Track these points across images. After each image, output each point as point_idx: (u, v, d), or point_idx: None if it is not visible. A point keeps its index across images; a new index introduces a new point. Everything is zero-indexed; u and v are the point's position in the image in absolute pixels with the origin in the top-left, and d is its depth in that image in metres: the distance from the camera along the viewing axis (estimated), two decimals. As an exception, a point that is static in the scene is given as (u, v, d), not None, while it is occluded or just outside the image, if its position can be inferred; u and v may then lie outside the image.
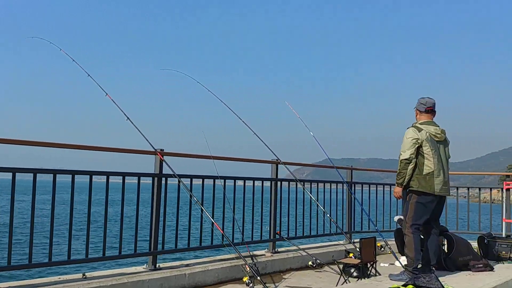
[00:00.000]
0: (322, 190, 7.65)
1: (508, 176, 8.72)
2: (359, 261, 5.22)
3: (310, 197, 7.04)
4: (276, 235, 6.71)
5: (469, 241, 6.46)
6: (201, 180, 5.78)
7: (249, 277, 5.01)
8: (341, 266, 5.68)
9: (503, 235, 6.80)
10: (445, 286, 4.61)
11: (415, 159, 5.19)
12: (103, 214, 4.91)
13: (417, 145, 5.19)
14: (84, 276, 4.66)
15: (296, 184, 7.04)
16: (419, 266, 5.12)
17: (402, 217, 7.25)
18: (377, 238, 7.84)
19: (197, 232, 5.81)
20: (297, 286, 5.62)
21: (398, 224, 7.23)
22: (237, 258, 5.54)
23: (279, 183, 6.82)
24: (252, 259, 5.62)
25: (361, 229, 8.31)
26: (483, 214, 8.50)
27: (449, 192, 5.40)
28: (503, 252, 6.45)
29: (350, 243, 7.28)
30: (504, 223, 6.74)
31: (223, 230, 5.44)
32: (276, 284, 5.70)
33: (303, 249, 6.73)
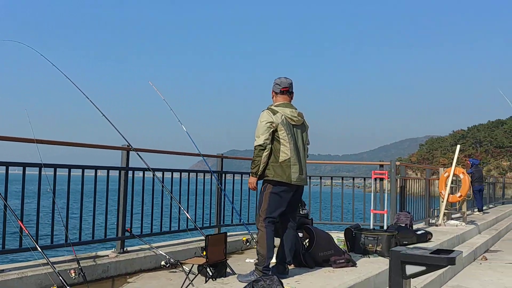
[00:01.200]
0: (194, 180, 7.01)
1: (382, 166, 8.58)
2: (204, 260, 4.53)
3: (165, 188, 6.23)
4: (126, 232, 5.86)
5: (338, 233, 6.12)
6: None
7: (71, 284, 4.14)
8: (189, 266, 4.98)
9: (371, 227, 6.50)
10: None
11: (270, 145, 4.59)
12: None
13: (271, 129, 4.59)
14: None
15: (151, 173, 6.21)
16: (272, 264, 4.56)
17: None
18: (246, 232, 7.32)
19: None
20: (138, 292, 4.84)
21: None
22: (61, 262, 4.63)
23: (130, 172, 5.98)
24: (78, 262, 4.72)
25: (232, 222, 7.71)
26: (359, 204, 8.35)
27: (306, 182, 4.90)
28: (370, 245, 6.14)
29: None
30: (372, 214, 6.43)
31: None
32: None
33: (156, 248, 5.94)
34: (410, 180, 9.47)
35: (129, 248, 6.00)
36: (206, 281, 4.72)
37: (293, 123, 4.74)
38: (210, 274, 4.88)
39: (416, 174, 58.52)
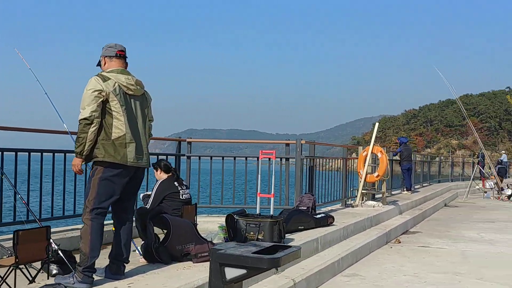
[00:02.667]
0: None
1: (288, 144, 7.91)
2: (13, 261, 3.69)
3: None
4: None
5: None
6: None
7: None
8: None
9: (257, 212, 5.81)
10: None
11: (99, 119, 3.76)
12: None
13: (101, 99, 3.75)
14: None
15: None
16: (94, 264, 3.78)
17: (149, 193, 6.01)
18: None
19: None
20: None
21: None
22: None
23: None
24: None
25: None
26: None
27: (149, 163, 4.12)
28: (251, 232, 5.45)
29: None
30: (258, 198, 5.75)
31: None
32: None
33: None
34: (327, 160, 8.88)
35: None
36: (30, 282, 3.88)
37: (130, 92, 3.92)
38: (55, 272, 4.06)
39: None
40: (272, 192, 5.68)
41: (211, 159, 7.59)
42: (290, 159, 7.85)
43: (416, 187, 17.06)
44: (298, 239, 5.94)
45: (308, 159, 8.27)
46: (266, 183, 7.68)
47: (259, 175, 5.84)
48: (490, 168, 20.10)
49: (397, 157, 14.37)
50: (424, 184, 18.60)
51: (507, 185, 19.68)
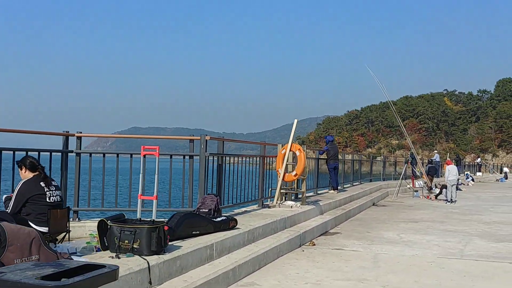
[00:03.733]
0: None
1: (192, 141, 7.24)
2: None
3: None
4: None
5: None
6: None
7: None
8: None
9: (138, 217, 5.09)
10: None
11: None
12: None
13: None
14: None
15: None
16: None
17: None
18: None
19: None
20: None
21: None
22: None
23: None
24: None
25: None
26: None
27: None
28: (126, 241, 4.72)
29: None
30: (139, 200, 5.03)
31: None
32: None
33: None
34: (234, 158, 8.25)
35: None
36: None
37: None
38: None
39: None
40: (155, 194, 4.97)
41: (104, 156, 6.78)
42: (195, 157, 7.18)
43: (345, 186, 16.84)
44: (187, 246, 5.27)
45: (218, 156, 7.63)
46: (165, 183, 6.98)
47: (141, 175, 5.12)
48: (418, 167, 20.24)
49: (324, 156, 14.01)
50: (354, 183, 18.44)
51: (435, 185, 19.89)
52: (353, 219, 11.80)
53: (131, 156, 6.99)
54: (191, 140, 7.23)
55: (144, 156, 5.27)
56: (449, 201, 16.65)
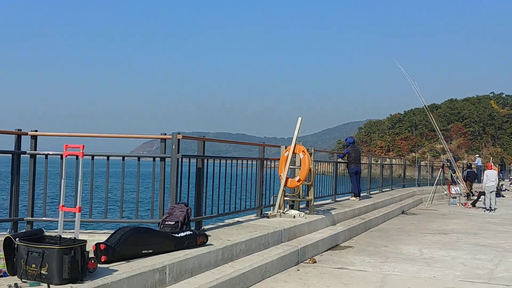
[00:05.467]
0: None
1: (164, 140, 6.21)
2: None
3: None
4: None
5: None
6: None
7: None
8: None
9: (59, 231, 4.07)
10: None
11: None
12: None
13: None
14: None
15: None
16: None
17: None
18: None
19: None
20: None
21: None
22: None
23: None
24: None
25: None
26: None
27: None
28: (33, 265, 3.70)
29: None
30: (60, 212, 4.01)
31: None
32: None
33: None
34: (222, 160, 7.13)
35: None
36: None
37: None
38: None
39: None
40: (78, 205, 3.94)
41: (61, 158, 5.82)
42: (167, 159, 6.13)
43: (373, 192, 15.45)
44: (124, 270, 4.19)
45: (196, 159, 6.55)
46: (132, 190, 5.94)
47: (63, 180, 4.11)
48: (455, 173, 18.50)
49: (344, 159, 12.71)
50: (384, 189, 16.97)
51: (473, 191, 18.15)
52: (373, 230, 10.48)
53: (108, 159, 6.05)
54: (163, 140, 6.19)
55: (67, 156, 4.26)
56: (487, 209, 14.99)
